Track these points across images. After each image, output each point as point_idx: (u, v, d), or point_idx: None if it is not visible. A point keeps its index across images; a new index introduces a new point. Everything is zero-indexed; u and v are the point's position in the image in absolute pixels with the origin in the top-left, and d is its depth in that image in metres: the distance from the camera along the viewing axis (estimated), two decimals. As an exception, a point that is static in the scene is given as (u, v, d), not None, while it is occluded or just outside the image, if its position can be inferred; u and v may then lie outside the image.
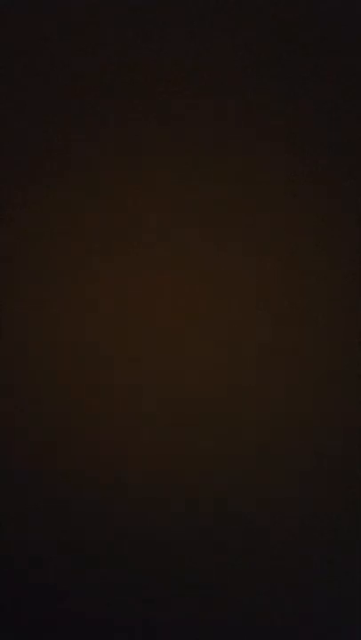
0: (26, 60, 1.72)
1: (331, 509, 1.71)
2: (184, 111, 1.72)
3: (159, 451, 1.72)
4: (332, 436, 1.71)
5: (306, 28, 1.69)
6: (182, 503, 1.72)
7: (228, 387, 1.72)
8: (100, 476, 1.72)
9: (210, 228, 1.73)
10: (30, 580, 1.72)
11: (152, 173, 1.73)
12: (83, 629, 1.72)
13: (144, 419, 1.72)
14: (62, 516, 1.73)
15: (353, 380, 1.71)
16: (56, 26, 1.73)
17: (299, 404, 1.71)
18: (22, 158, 1.74)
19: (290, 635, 1.71)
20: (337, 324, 1.72)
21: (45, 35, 1.73)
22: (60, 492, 1.73)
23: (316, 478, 1.71)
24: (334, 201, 1.72)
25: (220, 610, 1.71)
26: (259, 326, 1.72)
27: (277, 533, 1.71)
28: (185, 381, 1.72)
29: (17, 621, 1.72)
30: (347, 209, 1.72)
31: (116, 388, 1.73)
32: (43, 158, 1.74)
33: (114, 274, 1.73)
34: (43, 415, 1.73)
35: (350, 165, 1.71)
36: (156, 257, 1.73)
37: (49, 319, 1.74)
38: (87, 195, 1.74)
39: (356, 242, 1.72)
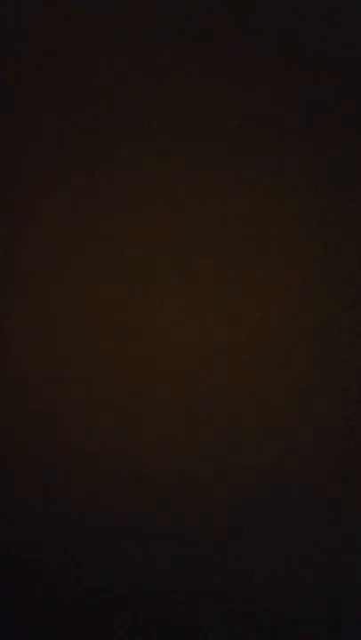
0: (28, 70, 1.72)
1: (331, 496, 1.71)
2: (188, 124, 1.73)
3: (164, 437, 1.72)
4: (332, 428, 1.71)
5: (307, 42, 1.69)
6: (181, 488, 1.72)
7: (230, 386, 1.72)
8: (100, 476, 1.73)
9: (210, 241, 1.73)
10: (31, 566, 1.72)
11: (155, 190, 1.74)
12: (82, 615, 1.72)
13: (144, 405, 1.73)
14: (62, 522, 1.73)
15: (353, 377, 1.72)
16: (58, 33, 1.73)
17: (299, 400, 1.72)
18: (23, 166, 1.74)
19: (290, 632, 1.71)
20: (338, 322, 1.72)
21: (46, 39, 1.73)
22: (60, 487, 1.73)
23: (316, 467, 1.72)
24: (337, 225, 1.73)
25: (220, 610, 1.72)
26: (260, 324, 1.72)
27: (276, 524, 1.72)
28: (186, 377, 1.73)
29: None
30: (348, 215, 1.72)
31: (116, 387, 1.73)
32: (43, 170, 1.74)
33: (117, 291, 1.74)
34: (43, 416, 1.74)
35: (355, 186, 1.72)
36: (157, 273, 1.74)
37: (51, 319, 1.74)
38: (90, 212, 1.75)
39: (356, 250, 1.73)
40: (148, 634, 1.72)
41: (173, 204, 1.73)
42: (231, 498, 1.71)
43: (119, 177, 1.74)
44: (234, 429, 1.72)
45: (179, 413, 1.72)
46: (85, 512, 1.73)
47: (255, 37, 1.71)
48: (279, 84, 1.72)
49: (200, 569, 1.71)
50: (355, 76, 1.71)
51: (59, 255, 1.75)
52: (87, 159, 1.74)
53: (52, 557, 1.73)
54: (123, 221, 1.74)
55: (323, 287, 1.72)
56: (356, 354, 1.72)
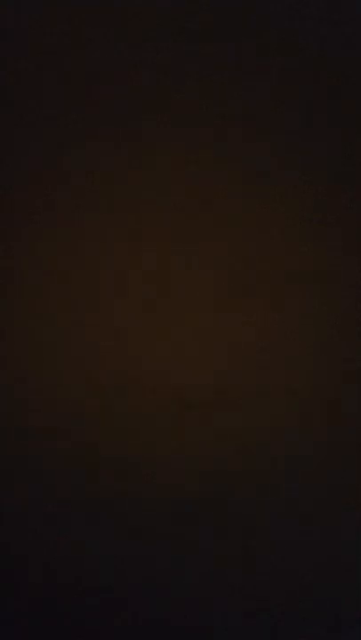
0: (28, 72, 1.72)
1: (331, 496, 1.71)
2: (187, 124, 1.73)
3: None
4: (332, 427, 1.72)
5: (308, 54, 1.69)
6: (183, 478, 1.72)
7: (230, 386, 1.73)
8: (101, 475, 1.73)
9: (210, 241, 1.73)
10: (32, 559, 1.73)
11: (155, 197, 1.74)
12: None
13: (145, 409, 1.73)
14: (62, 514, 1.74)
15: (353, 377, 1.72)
16: (58, 33, 1.73)
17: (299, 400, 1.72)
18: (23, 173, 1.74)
19: (290, 630, 1.71)
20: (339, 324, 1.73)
21: (46, 39, 1.73)
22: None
23: (316, 469, 1.72)
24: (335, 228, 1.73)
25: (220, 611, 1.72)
26: (259, 323, 1.73)
27: (277, 525, 1.72)
28: (186, 377, 1.73)
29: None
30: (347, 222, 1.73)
31: (116, 387, 1.74)
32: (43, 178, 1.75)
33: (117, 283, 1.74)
34: (44, 414, 1.74)
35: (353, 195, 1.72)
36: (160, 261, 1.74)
37: (48, 316, 1.75)
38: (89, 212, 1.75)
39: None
40: (148, 634, 1.72)
41: (173, 204, 1.74)
42: (231, 498, 1.71)
43: (119, 177, 1.75)
44: (234, 429, 1.72)
45: (179, 413, 1.72)
46: (85, 512, 1.73)
47: (255, 37, 1.71)
48: (279, 84, 1.72)
49: (200, 569, 1.72)
50: (355, 76, 1.72)
51: (59, 255, 1.75)
52: (87, 159, 1.75)
53: (52, 558, 1.73)
54: (123, 221, 1.74)
55: (323, 288, 1.73)
56: (357, 354, 1.72)
